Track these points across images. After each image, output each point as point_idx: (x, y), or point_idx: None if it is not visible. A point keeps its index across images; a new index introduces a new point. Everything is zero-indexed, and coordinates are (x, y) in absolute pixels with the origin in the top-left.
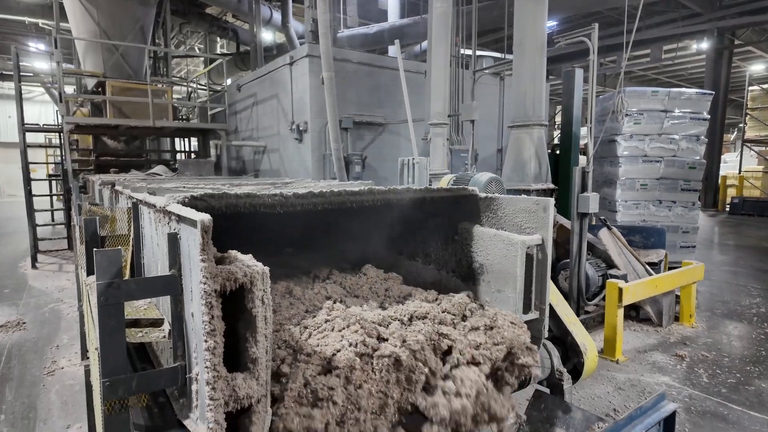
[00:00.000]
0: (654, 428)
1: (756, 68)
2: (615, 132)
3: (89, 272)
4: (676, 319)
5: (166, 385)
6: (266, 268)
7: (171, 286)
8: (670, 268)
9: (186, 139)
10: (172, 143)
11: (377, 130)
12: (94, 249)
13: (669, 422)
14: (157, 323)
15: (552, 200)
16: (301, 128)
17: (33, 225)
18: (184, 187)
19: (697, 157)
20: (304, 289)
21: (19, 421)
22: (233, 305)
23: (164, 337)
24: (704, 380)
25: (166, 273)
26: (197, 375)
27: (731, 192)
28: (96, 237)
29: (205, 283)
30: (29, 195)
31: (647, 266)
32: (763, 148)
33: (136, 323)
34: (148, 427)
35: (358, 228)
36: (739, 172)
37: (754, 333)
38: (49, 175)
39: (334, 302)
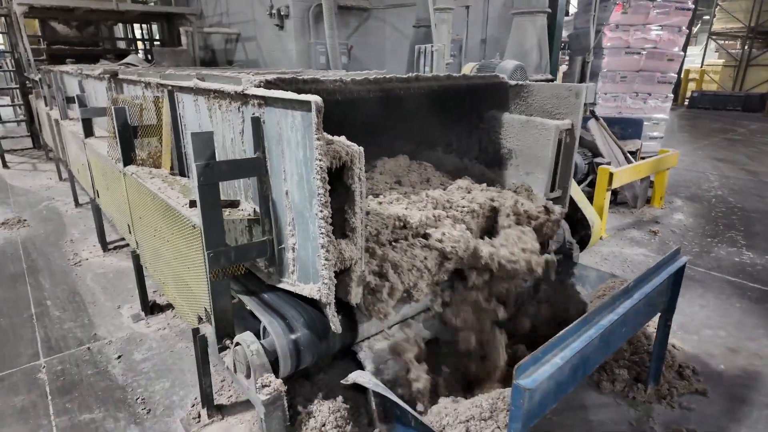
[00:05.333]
0: (670, 276)
1: None
2: (601, 23)
3: (126, 162)
4: (648, 201)
5: (258, 255)
6: (361, 148)
7: (257, 167)
8: (641, 158)
9: (145, 26)
10: (130, 31)
11: (362, 16)
12: (191, 132)
13: (679, 272)
14: (233, 204)
15: (585, 86)
16: (282, 13)
17: None
18: (215, 75)
19: (676, 49)
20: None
21: (68, 304)
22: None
23: (249, 215)
24: None
25: (251, 156)
26: (294, 245)
27: (692, 86)
28: (128, 127)
29: (320, 160)
30: None
31: (629, 154)
32: (727, 42)
33: None
34: (243, 291)
35: (375, 120)
36: (701, 66)
37: (713, 212)
38: None
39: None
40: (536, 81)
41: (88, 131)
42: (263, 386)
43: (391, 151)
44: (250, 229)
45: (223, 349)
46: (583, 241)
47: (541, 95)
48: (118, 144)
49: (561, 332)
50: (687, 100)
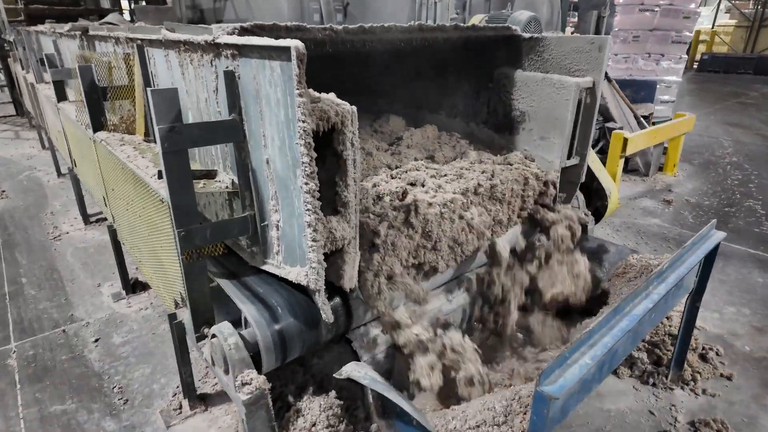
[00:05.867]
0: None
1: None
2: None
3: (95, 128)
4: (660, 169)
5: (239, 233)
6: (354, 108)
7: (233, 131)
8: (652, 123)
9: None
10: None
11: None
12: (149, 89)
13: (713, 250)
14: (210, 175)
15: (609, 38)
16: None
17: None
18: (186, 26)
19: (692, 5)
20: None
21: (44, 282)
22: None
23: (227, 187)
24: (690, 221)
25: (226, 118)
26: (278, 222)
27: (701, 48)
28: (95, 88)
29: (303, 122)
30: None
31: (642, 119)
32: (739, 1)
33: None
34: (223, 273)
35: (372, 80)
36: (713, 27)
37: (728, 180)
38: None
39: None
40: None
41: (61, 95)
42: (243, 384)
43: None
44: (231, 204)
45: (201, 337)
46: (599, 213)
47: (559, 50)
48: (86, 107)
49: (591, 326)
50: (696, 63)
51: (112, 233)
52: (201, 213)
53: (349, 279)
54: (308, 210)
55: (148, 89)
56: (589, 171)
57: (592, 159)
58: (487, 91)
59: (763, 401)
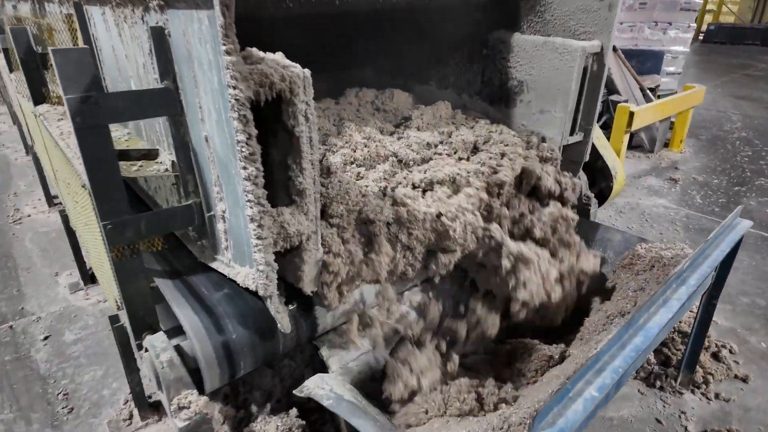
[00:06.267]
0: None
1: None
2: None
3: (36, 100)
4: (665, 145)
5: (181, 225)
6: (307, 71)
7: (166, 102)
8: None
9: None
10: None
11: None
12: (52, 50)
13: (738, 242)
14: (151, 155)
15: None
16: None
17: None
18: None
19: None
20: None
21: None
22: (262, 126)
23: (167, 170)
24: (698, 201)
25: (156, 86)
26: (224, 212)
27: (708, 18)
28: (33, 55)
29: (235, 88)
30: None
31: (648, 91)
32: None
33: (125, 156)
34: (167, 272)
35: (353, 48)
36: None
37: (738, 156)
38: None
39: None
40: None
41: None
42: (180, 408)
43: (378, 87)
44: (179, 190)
45: (143, 346)
46: (603, 194)
47: (563, 9)
48: (24, 77)
49: (598, 348)
50: (702, 34)
51: (64, 218)
52: (145, 199)
53: (310, 282)
54: (249, 201)
55: (50, 48)
56: (593, 148)
57: (597, 135)
58: (481, 59)
59: None
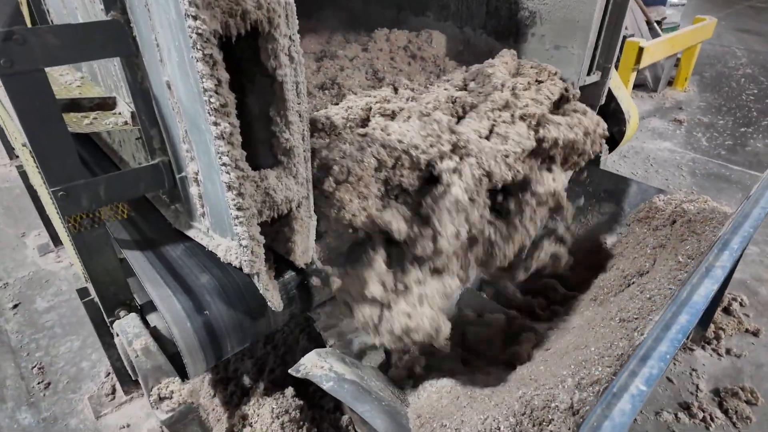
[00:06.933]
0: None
1: None
2: None
3: None
4: (669, 83)
5: (148, 189)
6: None
7: (114, 38)
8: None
9: None
10: None
11: None
12: None
13: None
14: (107, 105)
15: None
16: None
17: None
18: None
19: None
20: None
21: None
22: (236, 69)
23: (125, 123)
24: (704, 143)
25: (102, 18)
26: (197, 175)
27: None
28: None
29: (196, 18)
30: None
31: (655, 24)
32: None
33: (74, 106)
34: (137, 243)
35: None
36: None
37: (744, 95)
38: None
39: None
40: None
41: None
42: (162, 399)
43: (367, 22)
44: (144, 146)
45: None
46: (614, 140)
47: None
48: None
49: (643, 334)
50: None
51: (22, 174)
52: (111, 156)
53: (302, 253)
54: (225, 165)
55: None
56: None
57: (611, 75)
58: None
59: None
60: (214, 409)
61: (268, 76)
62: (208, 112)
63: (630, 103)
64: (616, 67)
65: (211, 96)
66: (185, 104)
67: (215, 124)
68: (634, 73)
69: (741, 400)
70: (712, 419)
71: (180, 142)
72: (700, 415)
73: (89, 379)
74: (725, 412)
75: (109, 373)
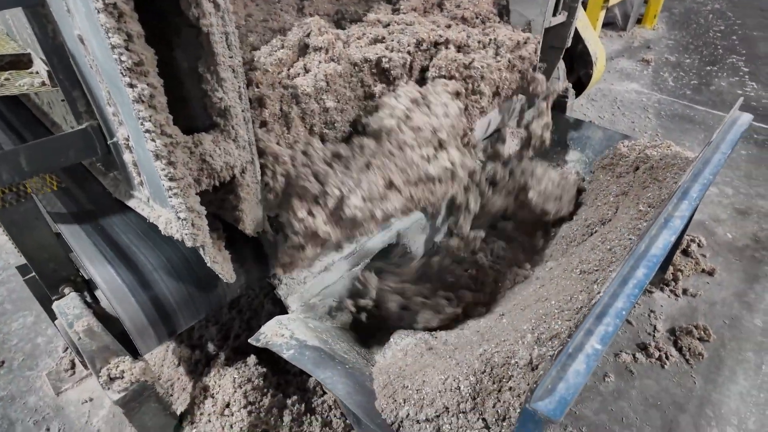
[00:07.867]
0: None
1: None
2: None
3: None
4: (638, 21)
5: (78, 157)
6: None
7: None
8: None
9: None
10: None
11: None
12: None
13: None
14: (21, 62)
15: None
16: None
17: None
18: None
19: None
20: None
21: None
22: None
23: (43, 83)
24: (670, 84)
25: None
26: (128, 140)
27: None
28: None
29: None
30: None
31: None
32: None
33: None
34: (74, 215)
35: None
36: None
37: (710, 32)
38: None
39: None
40: None
41: None
42: (112, 379)
43: None
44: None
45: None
46: (581, 84)
47: None
48: None
49: (601, 295)
50: None
51: None
52: (42, 120)
53: (252, 221)
54: (149, 132)
55: None
56: (575, 31)
57: (578, 15)
58: None
59: (745, 298)
60: (179, 378)
61: (192, 27)
62: (121, 72)
63: (598, 44)
64: (585, 5)
65: (121, 53)
66: (101, 62)
67: (131, 86)
68: (604, 11)
69: (694, 337)
70: (667, 357)
71: (105, 104)
72: (657, 354)
73: (46, 354)
74: (680, 350)
75: (67, 348)
